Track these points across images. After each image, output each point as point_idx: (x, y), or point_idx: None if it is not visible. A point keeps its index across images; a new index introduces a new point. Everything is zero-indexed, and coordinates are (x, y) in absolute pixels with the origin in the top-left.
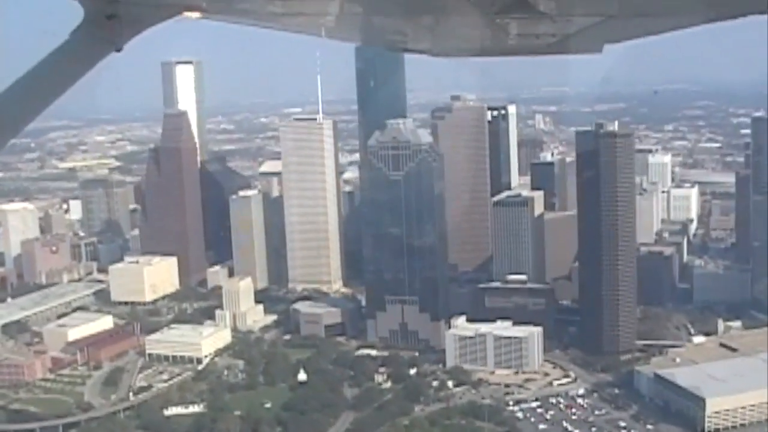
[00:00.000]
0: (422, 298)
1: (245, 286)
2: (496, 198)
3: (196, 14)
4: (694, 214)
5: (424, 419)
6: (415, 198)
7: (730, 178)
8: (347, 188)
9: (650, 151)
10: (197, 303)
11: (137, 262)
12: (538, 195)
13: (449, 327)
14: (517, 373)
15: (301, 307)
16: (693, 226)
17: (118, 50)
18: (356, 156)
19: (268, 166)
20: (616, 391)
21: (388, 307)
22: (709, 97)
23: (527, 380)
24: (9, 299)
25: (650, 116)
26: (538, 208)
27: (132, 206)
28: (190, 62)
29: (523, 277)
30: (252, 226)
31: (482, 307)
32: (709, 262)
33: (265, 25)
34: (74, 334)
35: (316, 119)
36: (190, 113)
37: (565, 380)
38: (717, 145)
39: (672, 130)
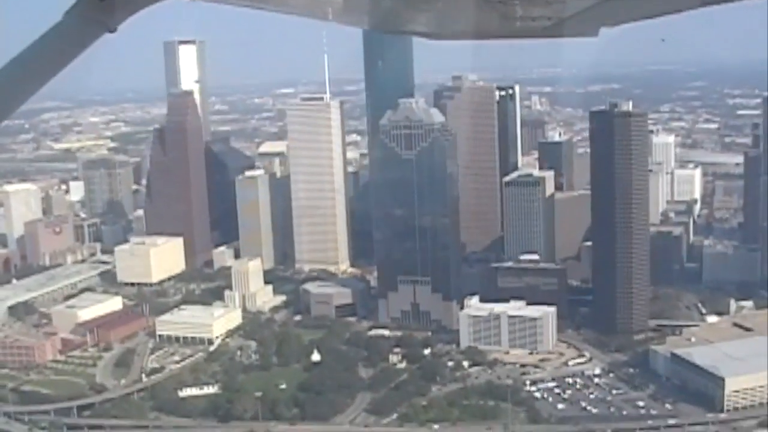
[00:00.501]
0: (434, 278)
1: (254, 266)
2: (507, 178)
3: None
4: (698, 194)
5: (442, 399)
6: (428, 177)
7: (730, 159)
8: (350, 168)
9: (652, 131)
10: (204, 284)
11: (143, 243)
12: (549, 175)
13: (461, 307)
14: (531, 353)
15: (311, 287)
16: (697, 207)
17: (112, 31)
18: (354, 137)
19: (267, 147)
20: (632, 370)
21: (400, 287)
22: (703, 77)
23: (542, 360)
24: (14, 280)
25: (645, 97)
26: (549, 188)
27: (134, 187)
28: (192, 42)
29: (535, 257)
30: (258, 207)
31: (494, 287)
32: (717, 242)
33: (257, 6)
34: (84, 315)
35: (323, 99)
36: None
37: (580, 360)
38: (714, 125)
39: (668, 111)
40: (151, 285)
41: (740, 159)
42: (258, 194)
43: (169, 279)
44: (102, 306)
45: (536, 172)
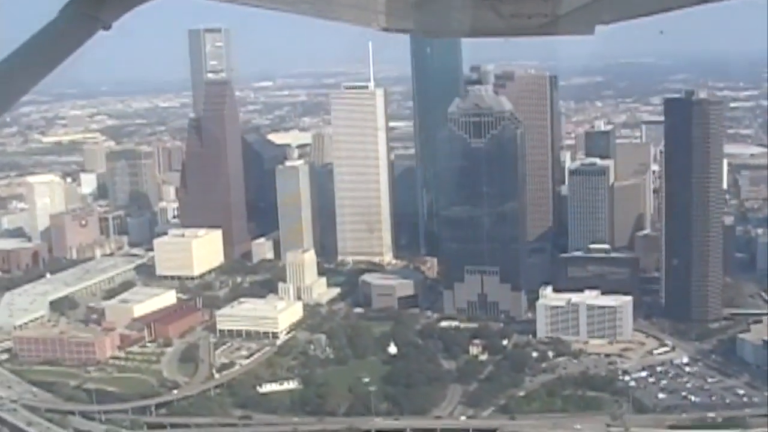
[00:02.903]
0: (502, 268)
1: (309, 258)
2: (571, 166)
3: None
4: (725, 184)
5: (540, 390)
6: (497, 166)
7: (744, 150)
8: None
9: None
10: (248, 276)
11: (183, 235)
12: (611, 164)
13: (535, 298)
14: (611, 343)
15: (371, 279)
16: (725, 197)
17: (107, 28)
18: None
19: (287, 138)
20: (721, 359)
21: (467, 277)
22: (683, 70)
23: (624, 350)
24: (48, 274)
25: (632, 89)
26: (611, 178)
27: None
28: (219, 30)
29: (605, 246)
30: (300, 197)
31: (564, 276)
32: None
33: (259, 5)
34: (139, 310)
35: (367, 87)
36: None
37: (663, 349)
38: None
39: (660, 104)
40: (193, 278)
41: (755, 150)
42: (299, 184)
43: (210, 272)
44: (156, 300)
45: (599, 161)
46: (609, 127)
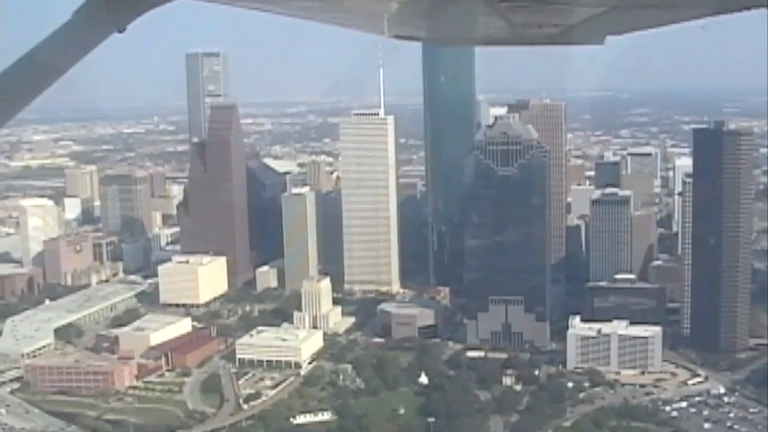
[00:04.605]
0: (527, 298)
1: (325, 287)
2: (594, 196)
3: None
4: None
5: (585, 421)
6: (525, 195)
7: None
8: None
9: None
10: (253, 305)
11: (187, 261)
12: (631, 194)
13: (560, 328)
14: (643, 373)
15: (390, 308)
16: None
17: (121, 31)
18: None
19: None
20: (756, 389)
21: (491, 307)
22: (642, 104)
23: (658, 380)
24: (47, 301)
25: (597, 122)
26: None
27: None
28: (217, 54)
29: (631, 276)
30: (306, 224)
31: (590, 306)
32: None
33: (265, 8)
34: (155, 338)
35: (377, 114)
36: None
37: (697, 380)
38: (685, 150)
39: (630, 137)
40: (198, 306)
41: None
42: (306, 211)
43: (215, 300)
44: (172, 328)
45: (620, 192)
46: (617, 158)
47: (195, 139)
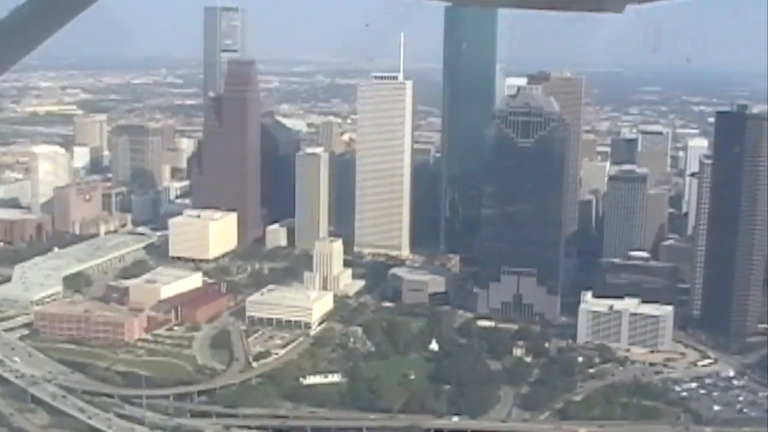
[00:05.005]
0: (540, 270)
1: (337, 248)
2: (611, 172)
3: None
4: None
5: (595, 396)
6: (543, 167)
7: None
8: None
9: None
10: (263, 263)
11: (198, 216)
12: (647, 172)
13: (570, 302)
14: (652, 351)
15: (402, 273)
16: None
17: None
18: None
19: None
20: (767, 374)
21: (503, 278)
22: (651, 82)
23: (668, 360)
24: (56, 249)
25: (606, 98)
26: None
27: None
28: (235, 9)
29: (645, 254)
30: (319, 185)
31: (602, 282)
32: None
33: None
34: (166, 291)
35: (396, 78)
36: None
37: (707, 361)
38: (694, 131)
39: (639, 114)
40: (207, 261)
41: None
42: (319, 172)
43: (224, 256)
44: (182, 282)
45: (638, 169)
46: (633, 135)
47: (211, 94)
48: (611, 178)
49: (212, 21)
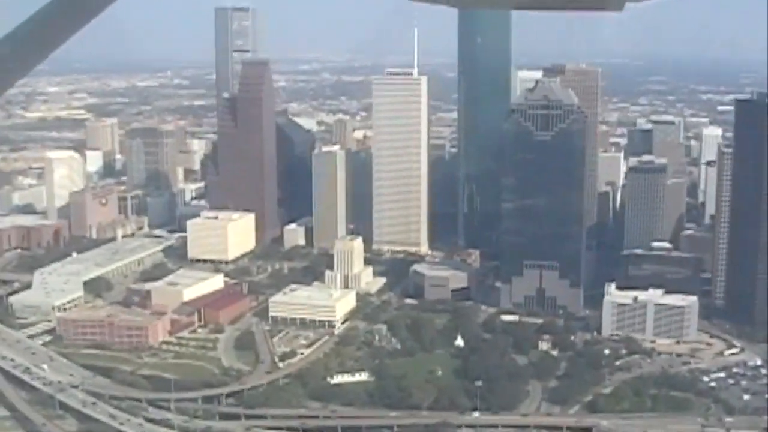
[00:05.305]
0: (562, 263)
1: (358, 246)
2: (630, 164)
3: None
4: None
5: (624, 389)
6: (562, 160)
7: None
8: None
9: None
10: (280, 262)
11: (216, 217)
12: (667, 162)
13: (593, 294)
14: (678, 342)
15: (424, 269)
16: None
17: None
18: None
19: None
20: None
21: (526, 271)
22: (657, 72)
23: (694, 350)
24: (74, 254)
25: (615, 89)
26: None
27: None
28: (246, 9)
29: (667, 245)
30: (336, 184)
31: (625, 274)
32: None
33: None
34: (188, 294)
35: (411, 74)
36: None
37: (733, 350)
38: (704, 119)
39: (648, 104)
40: (226, 263)
41: None
42: (336, 170)
43: (242, 257)
44: (204, 284)
45: (657, 160)
46: (649, 126)
47: (225, 95)
48: (631, 170)
49: (223, 21)
